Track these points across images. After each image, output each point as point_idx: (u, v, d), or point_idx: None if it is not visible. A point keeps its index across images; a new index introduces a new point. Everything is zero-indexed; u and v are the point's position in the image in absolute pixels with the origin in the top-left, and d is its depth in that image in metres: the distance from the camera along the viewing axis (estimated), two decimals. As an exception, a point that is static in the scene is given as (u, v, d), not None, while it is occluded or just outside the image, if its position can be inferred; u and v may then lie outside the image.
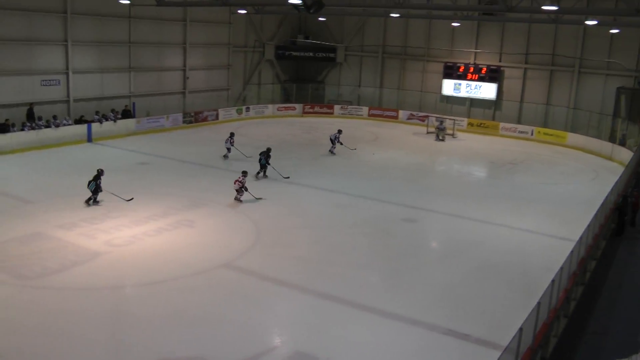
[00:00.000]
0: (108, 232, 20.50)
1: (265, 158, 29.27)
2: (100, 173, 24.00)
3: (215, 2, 37.33)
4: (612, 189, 24.96)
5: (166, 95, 43.15)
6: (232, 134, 34.02)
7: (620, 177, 27.89)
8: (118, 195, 24.01)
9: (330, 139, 36.26)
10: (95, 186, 23.62)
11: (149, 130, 39.25)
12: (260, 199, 25.47)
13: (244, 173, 25.39)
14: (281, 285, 17.34)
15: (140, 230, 20.94)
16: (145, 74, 41.67)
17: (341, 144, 36.22)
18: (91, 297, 15.97)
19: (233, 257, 19.15)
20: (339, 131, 36.52)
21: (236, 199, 25.07)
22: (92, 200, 23.72)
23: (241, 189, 25.03)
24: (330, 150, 36.08)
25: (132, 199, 24.09)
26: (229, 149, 33.43)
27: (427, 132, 45.03)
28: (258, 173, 29.22)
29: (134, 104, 40.34)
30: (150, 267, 17.98)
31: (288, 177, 29.11)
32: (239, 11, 44.90)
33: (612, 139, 41.02)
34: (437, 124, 44.58)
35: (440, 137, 43.47)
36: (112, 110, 37.83)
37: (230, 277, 17.73)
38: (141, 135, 38.31)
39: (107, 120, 37.03)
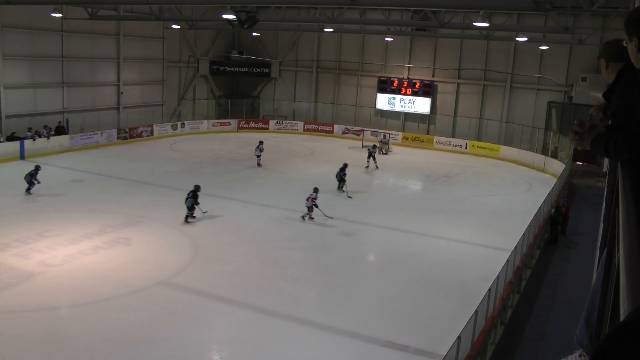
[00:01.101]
0: (42, 252, 20.13)
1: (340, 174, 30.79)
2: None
3: (148, 17, 37.22)
4: (545, 200, 25.72)
5: (100, 110, 42.65)
6: (261, 142, 36.39)
7: (553, 188, 28.73)
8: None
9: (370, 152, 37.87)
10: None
11: (83, 146, 38.71)
12: (331, 217, 25.51)
13: (316, 190, 25.45)
14: (219, 301, 17.36)
15: (75, 249, 20.63)
16: (78, 89, 41.18)
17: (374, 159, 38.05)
18: (25, 319, 15.66)
19: (170, 274, 19.06)
20: (375, 145, 38.35)
21: (306, 215, 25.03)
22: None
23: (312, 207, 25.00)
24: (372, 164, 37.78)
25: (206, 212, 25.07)
26: (259, 156, 35.93)
27: (363, 146, 45.41)
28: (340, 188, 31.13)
29: (67, 120, 39.79)
30: (86, 287, 17.72)
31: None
32: (173, 26, 44.73)
33: (544, 151, 42.31)
34: (380, 137, 45.21)
35: (384, 151, 44.06)
36: (45, 127, 37.20)
37: (168, 294, 17.63)
38: (75, 152, 37.76)
39: (40, 137, 36.40)
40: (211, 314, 16.63)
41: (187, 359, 14.00)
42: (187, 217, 24.41)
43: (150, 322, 15.81)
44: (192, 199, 24.38)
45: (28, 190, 27.32)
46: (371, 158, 37.59)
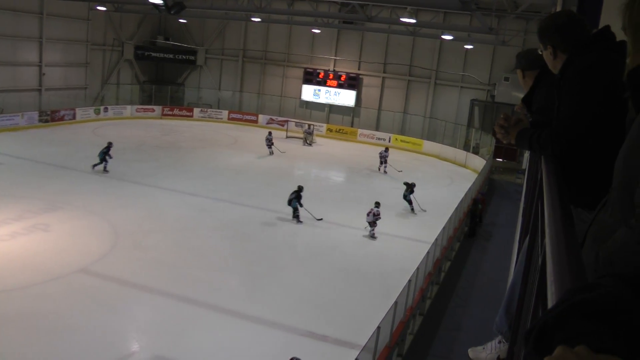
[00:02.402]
0: (-43, 236, 19.53)
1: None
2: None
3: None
4: (465, 194, 26.27)
5: (21, 92, 41.20)
6: (270, 133, 38.79)
7: (474, 183, 29.38)
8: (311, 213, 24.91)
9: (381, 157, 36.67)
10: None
11: (2, 128, 37.42)
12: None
13: (377, 205, 24.05)
14: (140, 289, 17.19)
15: (-8, 234, 20.05)
16: (-2, 68, 39.78)
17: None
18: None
19: (90, 261, 18.75)
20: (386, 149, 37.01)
21: (371, 231, 23.89)
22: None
23: (375, 221, 23.58)
24: (382, 169, 36.54)
25: (321, 219, 25.04)
26: (269, 146, 37.92)
27: (287, 137, 45.41)
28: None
29: (-15, 100, 38.53)
30: (3, 274, 17.24)
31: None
32: (98, 7, 43.74)
33: (466, 147, 43.26)
34: (305, 128, 45.43)
35: (308, 142, 44.28)
36: (-39, 108, 35.98)
37: (87, 282, 17.34)
38: (-8, 134, 36.52)
39: (-45, 117, 35.21)
40: (131, 302, 16.46)
41: (105, 348, 13.81)
42: (297, 217, 24.85)
43: (69, 310, 15.52)
44: (296, 200, 24.38)
45: (104, 168, 29.58)
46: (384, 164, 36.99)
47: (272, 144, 39.01)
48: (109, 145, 30.11)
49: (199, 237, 22.07)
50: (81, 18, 45.56)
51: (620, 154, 1.71)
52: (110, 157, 29.84)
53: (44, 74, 43.03)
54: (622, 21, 1.72)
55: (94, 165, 29.60)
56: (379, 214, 23.65)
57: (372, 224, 23.81)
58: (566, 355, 1.02)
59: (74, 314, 15.35)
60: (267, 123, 50.30)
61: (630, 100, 1.69)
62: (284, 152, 39.22)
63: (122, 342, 14.48)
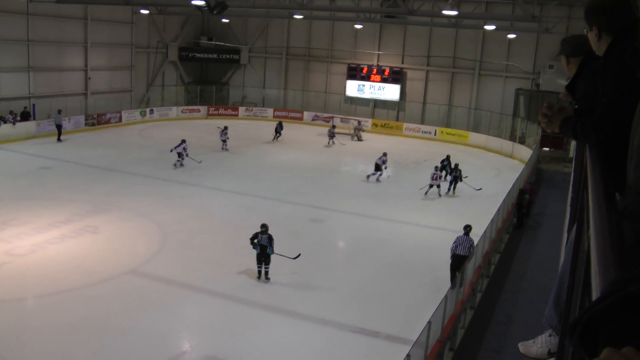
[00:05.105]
0: (8, 241, 19.78)
1: None
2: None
3: (117, 1, 36.77)
4: (513, 185, 25.98)
5: (67, 96, 41.80)
6: (225, 127, 38.20)
7: (521, 173, 29.06)
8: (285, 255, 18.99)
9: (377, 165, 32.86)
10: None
11: (51, 133, 37.91)
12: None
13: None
14: (189, 289, 17.29)
15: (42, 238, 20.31)
16: (45, 74, 40.44)
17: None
18: (-8, 309, 15.42)
19: (139, 262, 18.92)
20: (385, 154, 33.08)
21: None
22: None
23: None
24: (377, 179, 32.31)
25: (299, 255, 19.31)
26: (224, 141, 37.51)
27: (331, 134, 45.24)
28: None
29: (33, 105, 39.20)
30: (54, 277, 17.48)
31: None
32: (142, 11, 44.22)
33: (512, 137, 42.91)
34: (355, 124, 45.58)
35: (357, 137, 44.41)
36: (11, 112, 36.64)
37: (137, 283, 17.51)
38: (42, 139, 37.06)
39: (4, 122, 35.87)
40: (181, 302, 16.55)
41: (157, 348, 13.91)
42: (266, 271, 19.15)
43: (120, 311, 15.67)
44: (268, 242, 18.56)
45: (180, 163, 31.79)
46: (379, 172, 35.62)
47: (334, 135, 41.45)
48: (181, 143, 31.95)
49: (246, 235, 21.98)
50: (125, 22, 46.13)
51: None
52: (184, 153, 31.93)
53: (89, 78, 43.64)
54: None
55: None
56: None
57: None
58: (613, 358, 0.97)
59: (125, 314, 15.49)
60: (312, 120, 50.37)
61: None
62: (344, 144, 41.30)
63: (173, 342, 14.57)
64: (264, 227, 18.08)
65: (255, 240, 17.93)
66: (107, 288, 17.06)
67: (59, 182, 27.75)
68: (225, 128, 37.88)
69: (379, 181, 31.54)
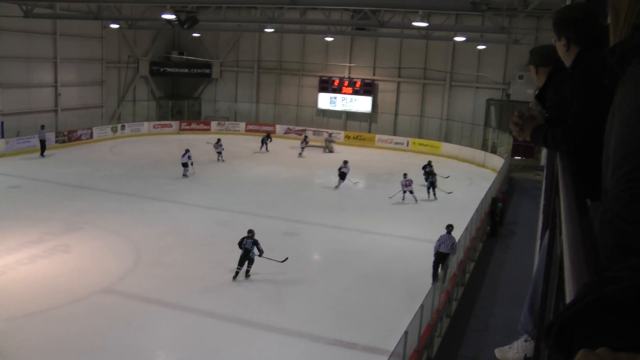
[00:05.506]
0: (-23, 262, 19.40)
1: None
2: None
3: (86, 16, 36.63)
4: (486, 194, 26.17)
5: (37, 113, 41.16)
6: (219, 139, 39.39)
7: (493, 182, 29.31)
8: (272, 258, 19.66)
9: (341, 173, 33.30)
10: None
11: (20, 151, 37.61)
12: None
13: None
14: (164, 306, 17.16)
15: (12, 258, 19.94)
16: (13, 90, 39.77)
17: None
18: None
19: (112, 280, 18.74)
20: (345, 162, 33.84)
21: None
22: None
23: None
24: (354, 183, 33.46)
25: (286, 259, 19.94)
26: (220, 153, 38.45)
27: (303, 146, 45.37)
28: None
29: (2, 123, 38.55)
30: (25, 298, 17.14)
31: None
32: (112, 25, 43.92)
33: (484, 147, 43.30)
34: (326, 136, 45.92)
35: (329, 149, 44.60)
36: (-22, 131, 36.18)
37: (110, 302, 17.33)
38: (11, 157, 36.49)
39: (-28, 141, 35.44)
40: (155, 319, 16.43)
41: (131, 365, 13.79)
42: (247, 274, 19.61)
43: (93, 331, 15.46)
44: (253, 245, 19.27)
45: (184, 173, 33.10)
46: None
47: (304, 147, 42.59)
48: (185, 152, 33.26)
49: (220, 250, 21.98)
50: (95, 36, 45.72)
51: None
52: (190, 162, 33.18)
53: (59, 94, 43.18)
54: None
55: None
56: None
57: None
58: (588, 359, 0.99)
59: (97, 334, 15.29)
60: (285, 133, 50.36)
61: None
62: (304, 157, 41.17)
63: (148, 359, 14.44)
64: (251, 232, 19.37)
65: (243, 244, 19.05)
66: (78, 308, 16.83)
67: (29, 201, 27.36)
68: (219, 140, 38.85)
69: (357, 184, 33.32)
